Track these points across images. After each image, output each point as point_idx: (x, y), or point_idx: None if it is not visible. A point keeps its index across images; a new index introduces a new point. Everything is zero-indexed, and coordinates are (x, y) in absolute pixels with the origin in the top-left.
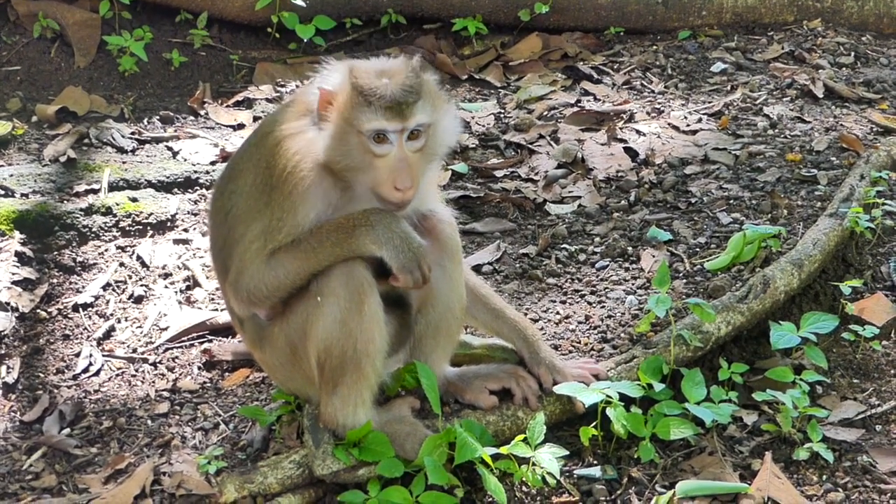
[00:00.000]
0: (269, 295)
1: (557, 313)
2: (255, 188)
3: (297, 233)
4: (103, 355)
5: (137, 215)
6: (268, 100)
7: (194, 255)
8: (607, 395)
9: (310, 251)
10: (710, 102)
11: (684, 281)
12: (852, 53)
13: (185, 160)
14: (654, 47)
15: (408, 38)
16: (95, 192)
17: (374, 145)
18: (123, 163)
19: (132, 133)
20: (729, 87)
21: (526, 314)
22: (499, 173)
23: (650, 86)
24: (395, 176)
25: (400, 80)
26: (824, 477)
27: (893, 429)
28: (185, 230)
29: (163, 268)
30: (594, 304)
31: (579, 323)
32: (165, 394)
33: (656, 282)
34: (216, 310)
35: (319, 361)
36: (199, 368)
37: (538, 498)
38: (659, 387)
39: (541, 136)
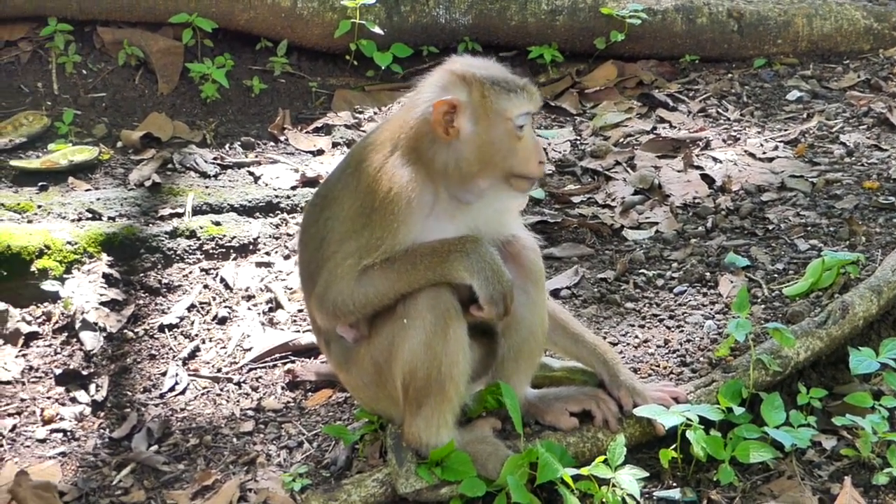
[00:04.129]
0: (355, 311)
1: (636, 337)
2: (354, 212)
3: (393, 253)
4: (189, 375)
5: (220, 238)
6: (346, 126)
7: (276, 277)
8: (687, 418)
9: (402, 272)
10: (786, 130)
11: (762, 306)
12: None
13: (267, 185)
14: (730, 75)
15: None
16: (179, 215)
17: (518, 131)
18: (206, 187)
19: (214, 158)
20: (805, 115)
21: (605, 338)
22: (576, 199)
23: (726, 113)
24: (537, 152)
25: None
26: None
27: None
28: (267, 253)
29: (246, 290)
30: (673, 329)
31: (658, 347)
32: (250, 413)
33: (736, 306)
34: (298, 331)
35: (404, 383)
36: (283, 388)
37: None
38: (738, 410)
39: (617, 163)
